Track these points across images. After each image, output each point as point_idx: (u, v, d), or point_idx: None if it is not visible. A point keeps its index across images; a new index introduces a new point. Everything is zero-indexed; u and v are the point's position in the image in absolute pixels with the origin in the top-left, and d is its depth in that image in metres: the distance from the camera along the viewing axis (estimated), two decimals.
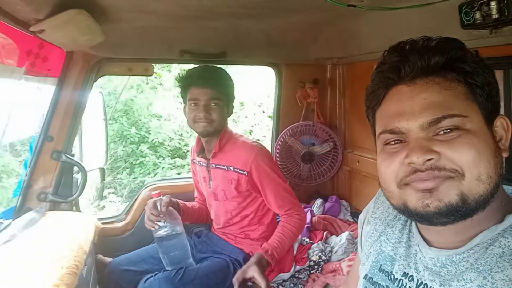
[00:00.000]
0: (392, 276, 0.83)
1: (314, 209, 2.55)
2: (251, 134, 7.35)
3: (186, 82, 1.98)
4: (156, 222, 1.81)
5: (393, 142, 0.74)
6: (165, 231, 1.82)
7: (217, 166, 2.02)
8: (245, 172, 1.92)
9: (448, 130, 0.69)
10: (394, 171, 0.73)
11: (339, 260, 2.05)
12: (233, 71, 6.95)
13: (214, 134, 1.98)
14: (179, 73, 2.03)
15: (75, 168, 2.14)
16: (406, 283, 0.80)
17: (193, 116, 1.94)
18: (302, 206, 2.55)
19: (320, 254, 2.07)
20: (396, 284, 0.81)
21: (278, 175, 1.97)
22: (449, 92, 0.70)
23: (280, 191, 1.93)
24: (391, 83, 0.76)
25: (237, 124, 7.50)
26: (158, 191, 1.85)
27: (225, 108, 1.99)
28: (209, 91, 1.92)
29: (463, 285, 0.69)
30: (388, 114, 0.76)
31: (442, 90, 0.70)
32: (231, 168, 1.95)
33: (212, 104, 1.93)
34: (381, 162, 0.76)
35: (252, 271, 1.64)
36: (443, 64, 0.71)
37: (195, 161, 2.19)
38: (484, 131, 0.70)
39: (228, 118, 2.08)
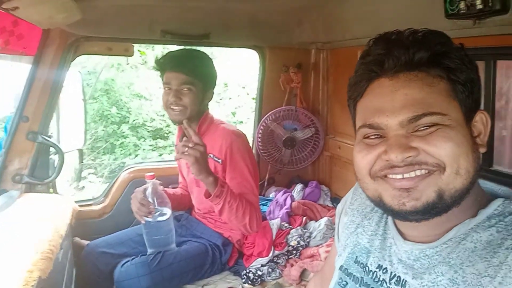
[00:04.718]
0: (367, 268, 0.84)
1: (295, 194, 2.56)
2: (234, 116, 7.31)
3: (160, 66, 1.93)
4: (145, 214, 1.78)
5: (372, 136, 0.74)
6: (153, 215, 1.79)
7: None
8: (220, 160, 1.89)
9: (427, 127, 0.69)
10: (369, 163, 0.73)
11: (317, 246, 2.07)
12: (217, 50, 6.85)
13: (190, 121, 1.89)
14: (156, 56, 1.97)
15: (52, 149, 2.09)
16: (380, 275, 0.80)
17: (165, 101, 1.90)
18: (283, 191, 2.57)
19: (298, 239, 2.09)
20: (370, 276, 0.82)
21: (249, 170, 1.89)
22: (431, 89, 0.70)
23: (243, 186, 1.86)
24: (373, 76, 0.75)
25: (220, 105, 7.42)
26: (152, 173, 1.81)
27: (200, 93, 1.91)
28: (181, 76, 1.86)
29: (435, 278, 0.70)
30: (368, 108, 0.75)
31: (424, 87, 0.70)
32: (210, 155, 1.89)
33: (185, 89, 1.87)
34: (358, 152, 0.76)
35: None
36: (427, 59, 0.71)
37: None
38: (462, 127, 0.70)
39: (210, 101, 2.03)
